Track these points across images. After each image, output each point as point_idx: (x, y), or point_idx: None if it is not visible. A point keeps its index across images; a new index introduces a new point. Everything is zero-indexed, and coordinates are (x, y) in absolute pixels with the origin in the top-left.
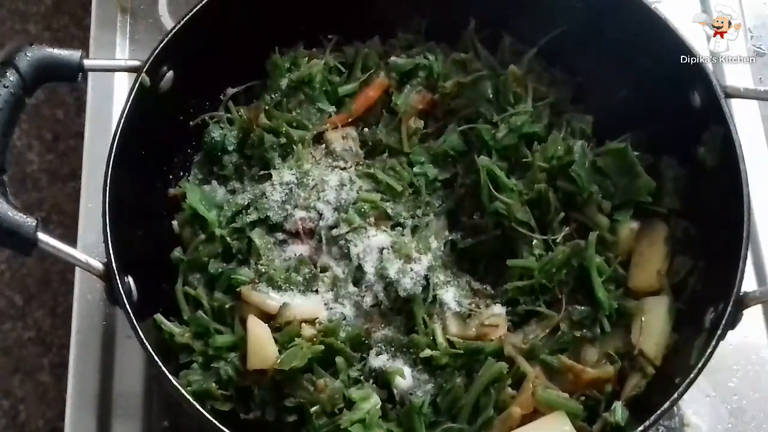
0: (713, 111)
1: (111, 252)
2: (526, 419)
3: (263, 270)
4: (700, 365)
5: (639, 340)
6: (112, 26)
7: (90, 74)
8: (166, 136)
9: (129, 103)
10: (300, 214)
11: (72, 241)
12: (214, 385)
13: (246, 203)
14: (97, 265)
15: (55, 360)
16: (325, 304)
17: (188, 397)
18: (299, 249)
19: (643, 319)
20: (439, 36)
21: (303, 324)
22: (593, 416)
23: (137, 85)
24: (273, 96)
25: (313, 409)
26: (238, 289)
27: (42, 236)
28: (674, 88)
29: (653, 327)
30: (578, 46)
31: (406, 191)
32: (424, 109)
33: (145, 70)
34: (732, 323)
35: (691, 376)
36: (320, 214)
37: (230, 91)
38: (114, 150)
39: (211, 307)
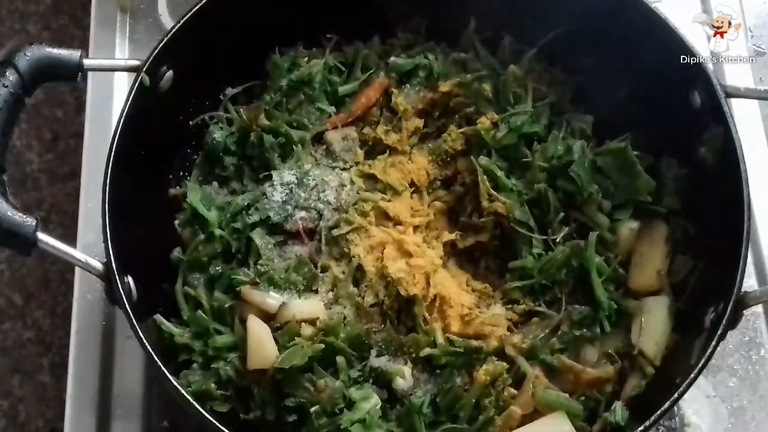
0: (713, 111)
1: (111, 252)
2: (526, 419)
3: (263, 270)
4: (700, 365)
5: (639, 340)
6: (112, 26)
7: (89, 74)
8: (166, 136)
9: (129, 103)
10: (300, 214)
11: (72, 241)
12: (213, 385)
13: (246, 204)
14: (97, 265)
15: (54, 360)
16: (325, 304)
17: (188, 397)
18: (299, 249)
19: (643, 319)
20: (439, 36)
21: (303, 323)
22: (593, 416)
23: (137, 84)
24: (273, 96)
25: (313, 409)
26: (238, 289)
27: (42, 236)
28: (674, 88)
29: (653, 327)
30: (578, 46)
31: (406, 191)
32: (424, 108)
33: (144, 69)
34: (732, 323)
35: (691, 376)
36: (320, 215)
37: (230, 91)
38: (113, 150)
39: (211, 307)
